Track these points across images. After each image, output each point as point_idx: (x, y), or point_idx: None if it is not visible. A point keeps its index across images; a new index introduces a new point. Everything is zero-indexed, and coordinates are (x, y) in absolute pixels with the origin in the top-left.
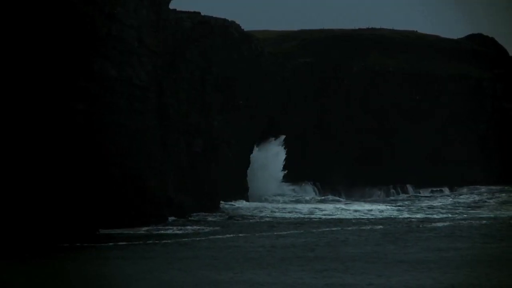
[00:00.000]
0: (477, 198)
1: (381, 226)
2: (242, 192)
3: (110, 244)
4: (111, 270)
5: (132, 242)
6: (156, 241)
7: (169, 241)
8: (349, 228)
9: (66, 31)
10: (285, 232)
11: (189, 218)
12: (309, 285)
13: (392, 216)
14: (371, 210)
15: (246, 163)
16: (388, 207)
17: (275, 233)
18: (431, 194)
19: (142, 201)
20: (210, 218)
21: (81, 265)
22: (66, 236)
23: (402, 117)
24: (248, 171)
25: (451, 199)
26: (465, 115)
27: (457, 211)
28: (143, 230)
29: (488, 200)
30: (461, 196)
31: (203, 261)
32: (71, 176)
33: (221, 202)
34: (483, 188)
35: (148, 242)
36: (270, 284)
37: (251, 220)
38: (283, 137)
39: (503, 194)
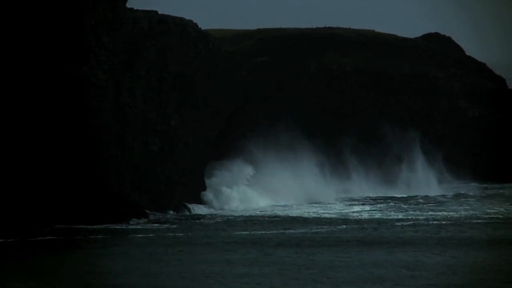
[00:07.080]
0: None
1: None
2: (199, 191)
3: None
4: None
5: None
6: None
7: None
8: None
9: (24, 30)
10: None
11: (144, 217)
12: None
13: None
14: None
15: (204, 162)
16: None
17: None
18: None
19: (98, 199)
20: (164, 217)
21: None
22: (22, 230)
23: (359, 116)
24: None
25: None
26: (421, 114)
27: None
28: (96, 226)
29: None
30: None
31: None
32: (28, 173)
33: (181, 203)
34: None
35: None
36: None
37: (204, 220)
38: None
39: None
